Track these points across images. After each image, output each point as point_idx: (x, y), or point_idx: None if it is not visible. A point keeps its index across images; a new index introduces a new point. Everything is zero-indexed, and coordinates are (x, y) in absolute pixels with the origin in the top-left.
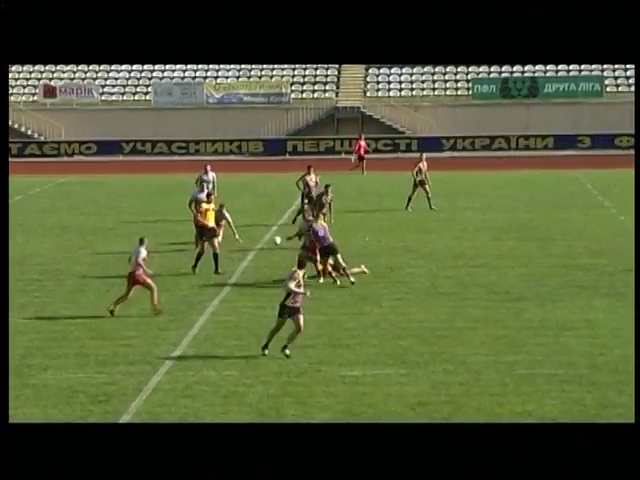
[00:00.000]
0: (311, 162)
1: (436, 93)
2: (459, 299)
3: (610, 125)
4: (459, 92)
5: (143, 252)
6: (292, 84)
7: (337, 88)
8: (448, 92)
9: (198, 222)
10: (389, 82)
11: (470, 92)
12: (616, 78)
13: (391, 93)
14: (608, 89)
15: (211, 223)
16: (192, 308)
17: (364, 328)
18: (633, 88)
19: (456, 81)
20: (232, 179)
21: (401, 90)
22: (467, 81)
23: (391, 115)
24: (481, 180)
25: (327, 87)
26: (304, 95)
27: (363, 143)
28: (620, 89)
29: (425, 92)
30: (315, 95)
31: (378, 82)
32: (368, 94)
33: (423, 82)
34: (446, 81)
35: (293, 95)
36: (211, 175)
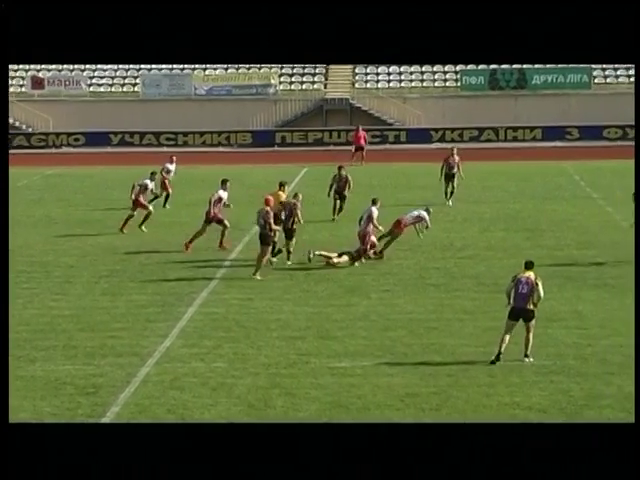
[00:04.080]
0: (300, 154)
1: (424, 85)
2: (447, 290)
3: (598, 117)
4: (447, 84)
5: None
6: (280, 76)
7: (325, 80)
8: (436, 84)
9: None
10: (377, 74)
11: (458, 84)
12: (604, 69)
13: (379, 85)
14: (596, 80)
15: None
16: (180, 300)
17: (353, 320)
18: (621, 80)
19: (444, 72)
20: (221, 171)
21: (389, 82)
22: (455, 72)
23: (380, 107)
24: (469, 172)
25: (315, 79)
26: (292, 87)
27: (362, 133)
28: (608, 80)
29: (413, 84)
30: (303, 87)
31: (366, 74)
32: (357, 86)
33: (411, 74)
34: (434, 72)
35: (281, 87)
36: (174, 165)
